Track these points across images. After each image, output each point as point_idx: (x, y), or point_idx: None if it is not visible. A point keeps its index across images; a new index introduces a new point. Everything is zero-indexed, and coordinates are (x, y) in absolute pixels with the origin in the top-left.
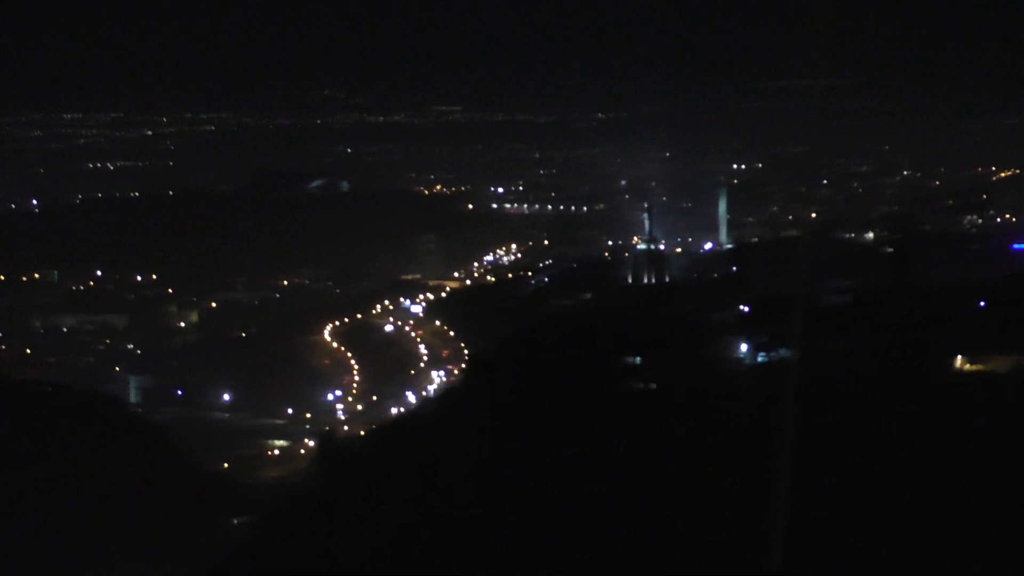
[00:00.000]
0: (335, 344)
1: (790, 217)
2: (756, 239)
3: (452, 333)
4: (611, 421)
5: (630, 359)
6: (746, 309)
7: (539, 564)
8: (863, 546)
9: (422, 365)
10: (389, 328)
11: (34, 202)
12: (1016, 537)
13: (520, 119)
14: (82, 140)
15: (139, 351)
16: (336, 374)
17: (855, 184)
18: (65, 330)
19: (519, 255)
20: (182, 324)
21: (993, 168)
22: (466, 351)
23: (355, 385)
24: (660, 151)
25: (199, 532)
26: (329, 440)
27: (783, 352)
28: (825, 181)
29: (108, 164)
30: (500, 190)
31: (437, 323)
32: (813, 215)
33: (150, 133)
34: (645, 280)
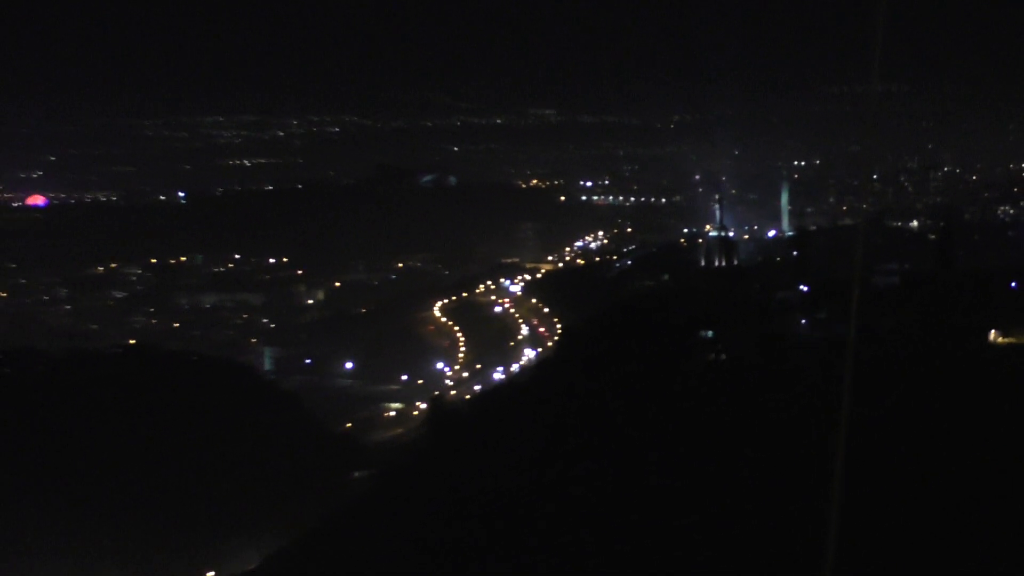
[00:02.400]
0: (444, 319)
1: (845, 208)
2: (815, 227)
3: (547, 310)
4: (687, 388)
5: (704, 333)
6: (806, 289)
7: (626, 505)
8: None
9: (520, 337)
10: (491, 305)
11: (181, 194)
12: None
13: (607, 120)
14: (222, 140)
15: (272, 325)
16: (445, 345)
17: (903, 178)
18: (208, 307)
19: (605, 241)
20: (310, 302)
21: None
22: (559, 325)
23: (461, 355)
24: (730, 149)
25: (325, 484)
26: (439, 403)
27: (839, 328)
28: (876, 176)
29: (244, 161)
30: (589, 183)
31: (533, 301)
32: (865, 206)
33: (281, 134)
34: (716, 263)
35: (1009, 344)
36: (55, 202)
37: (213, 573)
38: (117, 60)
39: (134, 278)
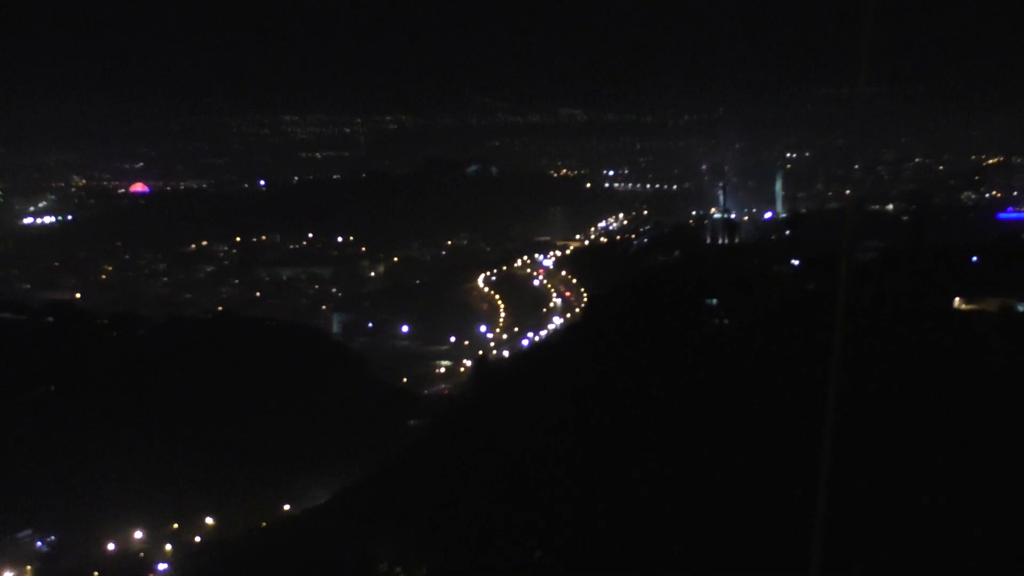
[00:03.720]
0: (486, 289)
1: (831, 194)
2: (805, 211)
3: (575, 281)
4: (695, 348)
5: (709, 301)
6: (797, 263)
7: (641, 439)
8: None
9: (552, 305)
10: (527, 277)
11: (262, 183)
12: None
13: (626, 119)
14: (297, 136)
15: (340, 295)
16: (487, 311)
17: (880, 168)
18: (284, 279)
19: (625, 222)
20: (372, 274)
21: (984, 156)
22: (585, 294)
23: (501, 319)
24: (732, 143)
25: (384, 431)
26: (482, 361)
27: (827, 296)
28: (857, 166)
29: (316, 154)
30: (611, 173)
31: (563, 273)
32: (848, 192)
33: (348, 131)
34: (720, 241)
35: (971, 310)
36: (155, 190)
37: (289, 506)
38: (207, 65)
39: (222, 254)
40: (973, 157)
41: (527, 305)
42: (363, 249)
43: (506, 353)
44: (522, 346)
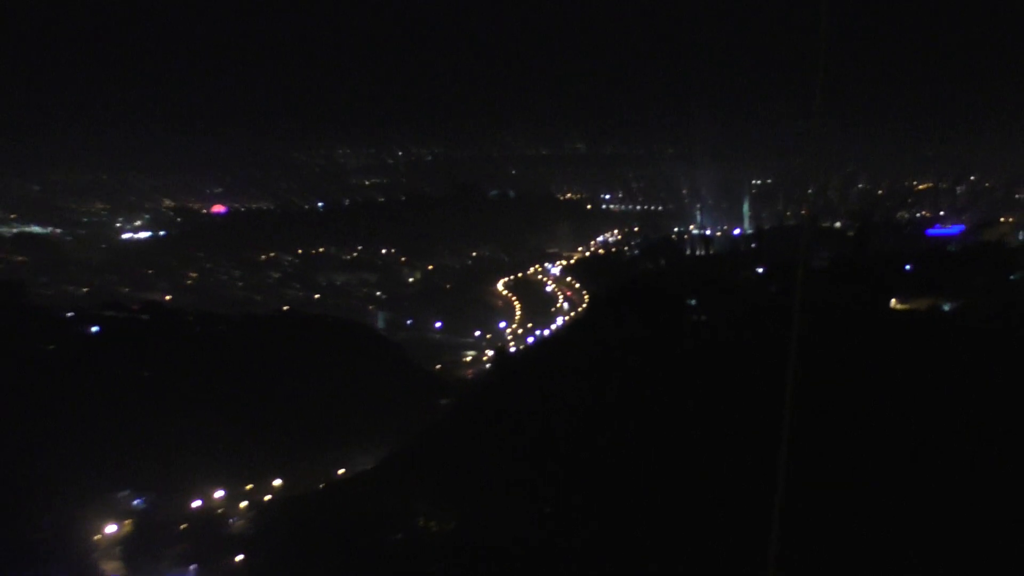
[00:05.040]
0: (505, 291)
1: (789, 213)
2: (768, 227)
3: (578, 285)
4: (677, 340)
5: (689, 301)
6: (761, 270)
7: (636, 414)
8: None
9: (559, 304)
10: (539, 282)
11: (320, 204)
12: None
13: (620, 151)
14: (349, 165)
15: (384, 296)
16: (505, 310)
17: (830, 191)
18: (338, 283)
19: (619, 236)
20: (411, 280)
21: (916, 182)
22: (587, 295)
23: (517, 316)
24: (708, 171)
25: (420, 409)
26: (501, 351)
27: (785, 297)
28: (811, 190)
29: (364, 180)
30: (607, 196)
31: (568, 279)
32: (804, 211)
33: (390, 161)
34: (698, 252)
35: (904, 309)
36: (232, 210)
37: (342, 471)
38: (274, 106)
39: (287, 263)
40: (907, 183)
41: (538, 304)
42: (403, 259)
43: (521, 345)
44: (534, 338)
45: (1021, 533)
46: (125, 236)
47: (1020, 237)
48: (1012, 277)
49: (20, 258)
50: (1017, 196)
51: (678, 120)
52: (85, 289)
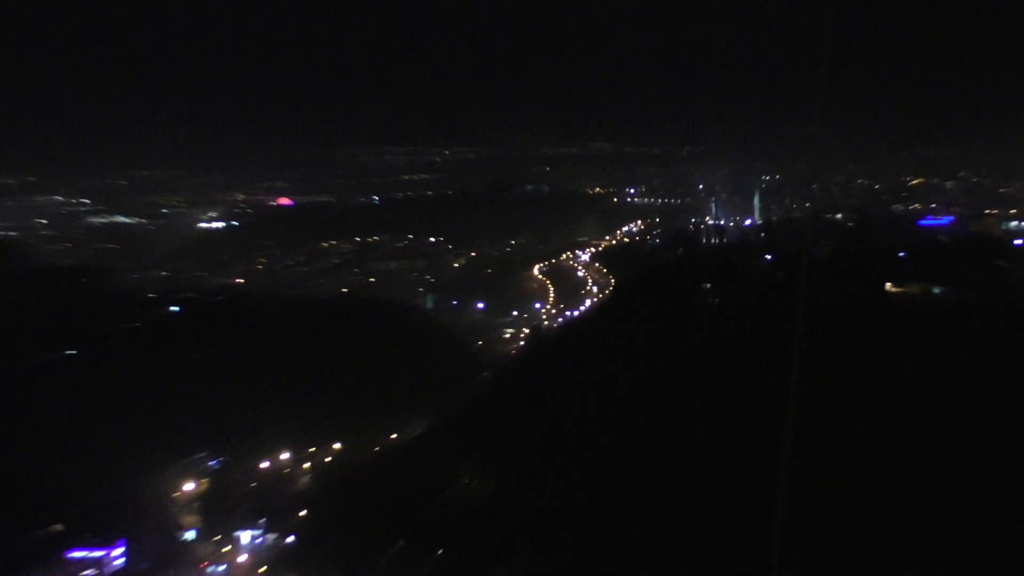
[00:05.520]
0: (540, 276)
1: (795, 206)
2: (776, 219)
3: (605, 271)
4: (694, 320)
5: (705, 285)
6: (770, 258)
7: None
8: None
9: (588, 287)
10: (570, 268)
11: (375, 198)
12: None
13: (641, 150)
14: (399, 163)
15: (432, 280)
16: (540, 292)
17: (833, 187)
18: (391, 268)
19: (642, 227)
20: (456, 266)
21: (909, 178)
22: (613, 280)
23: (551, 298)
24: (722, 168)
25: (465, 380)
26: (536, 329)
27: (793, 282)
28: (815, 186)
29: (413, 176)
30: (632, 191)
31: (597, 264)
32: (808, 205)
33: (437, 159)
34: (713, 242)
35: (899, 292)
36: (296, 203)
37: (395, 435)
38: (333, 109)
39: (345, 251)
40: (901, 179)
41: (570, 288)
42: (448, 247)
43: (554, 324)
44: (566, 318)
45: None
46: (200, 226)
47: (1003, 227)
48: (997, 263)
49: (111, 245)
50: (1002, 191)
51: (693, 123)
52: (165, 273)
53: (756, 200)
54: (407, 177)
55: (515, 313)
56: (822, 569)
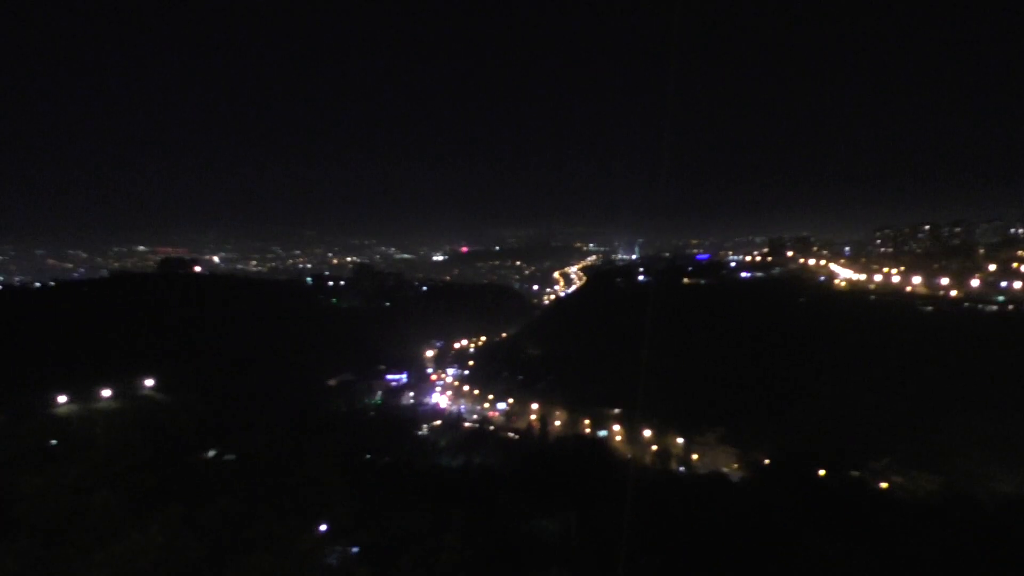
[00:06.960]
0: (558, 276)
1: (651, 251)
2: (645, 255)
3: (583, 275)
4: (615, 291)
5: (617, 279)
6: (642, 270)
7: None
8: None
9: (575, 282)
10: (569, 274)
11: (496, 248)
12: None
13: (595, 230)
14: (505, 232)
15: (517, 277)
16: (559, 282)
17: (663, 244)
18: (502, 272)
19: (597, 259)
20: (527, 272)
21: (693, 240)
22: (585, 277)
23: (560, 286)
24: (625, 235)
25: (529, 314)
26: (558, 296)
27: (651, 279)
28: (656, 243)
29: (511, 237)
30: (592, 244)
31: (580, 274)
32: (652, 251)
33: (520, 232)
34: (620, 264)
35: (688, 283)
36: (470, 249)
37: (504, 334)
38: (477, 200)
39: (487, 267)
40: (689, 240)
41: (567, 283)
42: (522, 264)
43: (563, 295)
44: (567, 294)
45: None
46: (435, 258)
47: (733, 260)
48: (723, 272)
49: (403, 265)
50: (735, 239)
51: (610, 215)
52: (421, 275)
53: (637, 248)
54: (511, 238)
55: (548, 290)
56: None
